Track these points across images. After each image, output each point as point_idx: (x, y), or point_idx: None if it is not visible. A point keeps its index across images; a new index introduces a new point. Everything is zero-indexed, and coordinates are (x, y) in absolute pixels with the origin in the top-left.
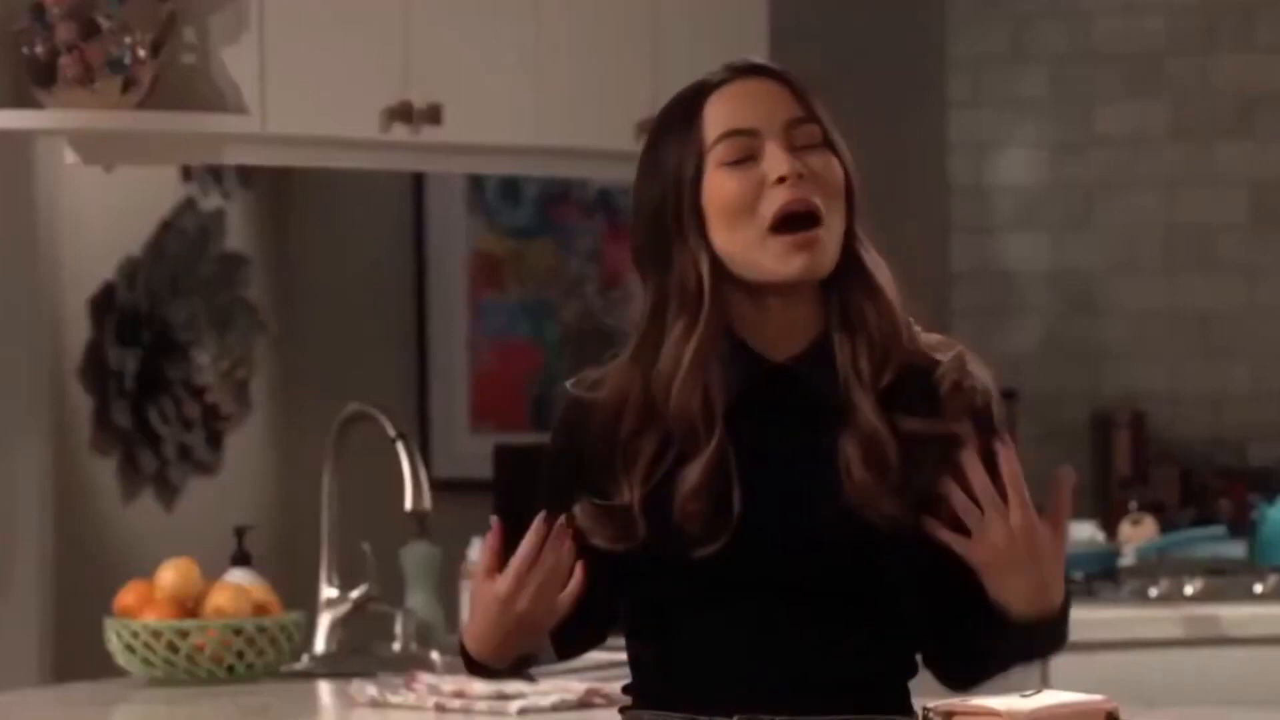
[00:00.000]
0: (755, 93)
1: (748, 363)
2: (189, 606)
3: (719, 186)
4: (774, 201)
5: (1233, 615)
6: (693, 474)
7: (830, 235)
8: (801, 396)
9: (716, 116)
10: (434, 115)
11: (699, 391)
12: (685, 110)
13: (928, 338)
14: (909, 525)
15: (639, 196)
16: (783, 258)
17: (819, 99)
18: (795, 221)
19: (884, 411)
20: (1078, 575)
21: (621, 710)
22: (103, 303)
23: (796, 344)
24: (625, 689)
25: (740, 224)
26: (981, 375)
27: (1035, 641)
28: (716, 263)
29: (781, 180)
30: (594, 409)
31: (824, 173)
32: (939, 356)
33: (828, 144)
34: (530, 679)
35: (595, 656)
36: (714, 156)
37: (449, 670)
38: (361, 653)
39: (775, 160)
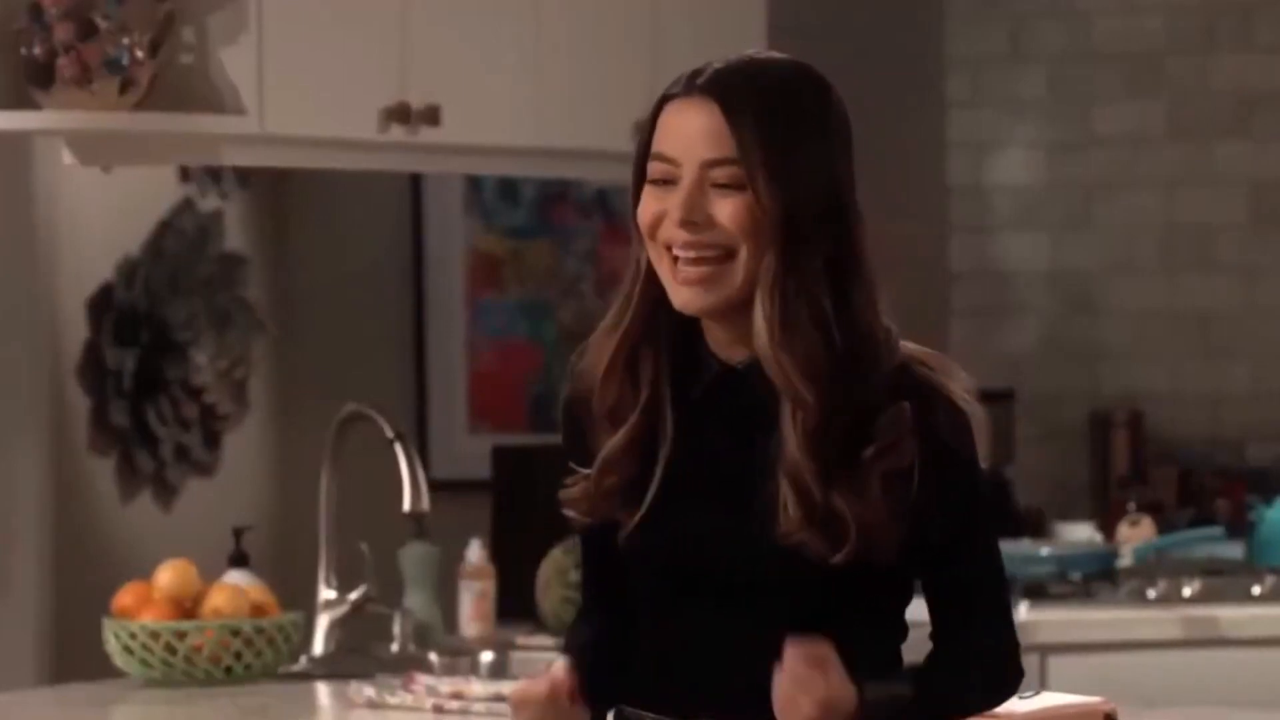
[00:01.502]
0: (688, 120)
1: (701, 360)
2: (187, 607)
3: (643, 202)
4: (667, 235)
5: (1231, 616)
6: (609, 448)
7: (734, 269)
8: (748, 399)
9: (660, 130)
10: (432, 116)
11: (621, 378)
12: (655, 107)
13: (913, 351)
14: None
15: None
16: (675, 288)
17: (778, 114)
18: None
19: (819, 442)
20: (1075, 576)
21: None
22: (101, 303)
23: (746, 350)
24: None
25: (650, 242)
26: (945, 414)
27: None
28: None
29: (675, 222)
30: (577, 394)
31: (728, 218)
32: (911, 378)
33: (750, 182)
34: None
35: None
36: (649, 169)
37: (447, 671)
38: (359, 654)
39: (676, 199)
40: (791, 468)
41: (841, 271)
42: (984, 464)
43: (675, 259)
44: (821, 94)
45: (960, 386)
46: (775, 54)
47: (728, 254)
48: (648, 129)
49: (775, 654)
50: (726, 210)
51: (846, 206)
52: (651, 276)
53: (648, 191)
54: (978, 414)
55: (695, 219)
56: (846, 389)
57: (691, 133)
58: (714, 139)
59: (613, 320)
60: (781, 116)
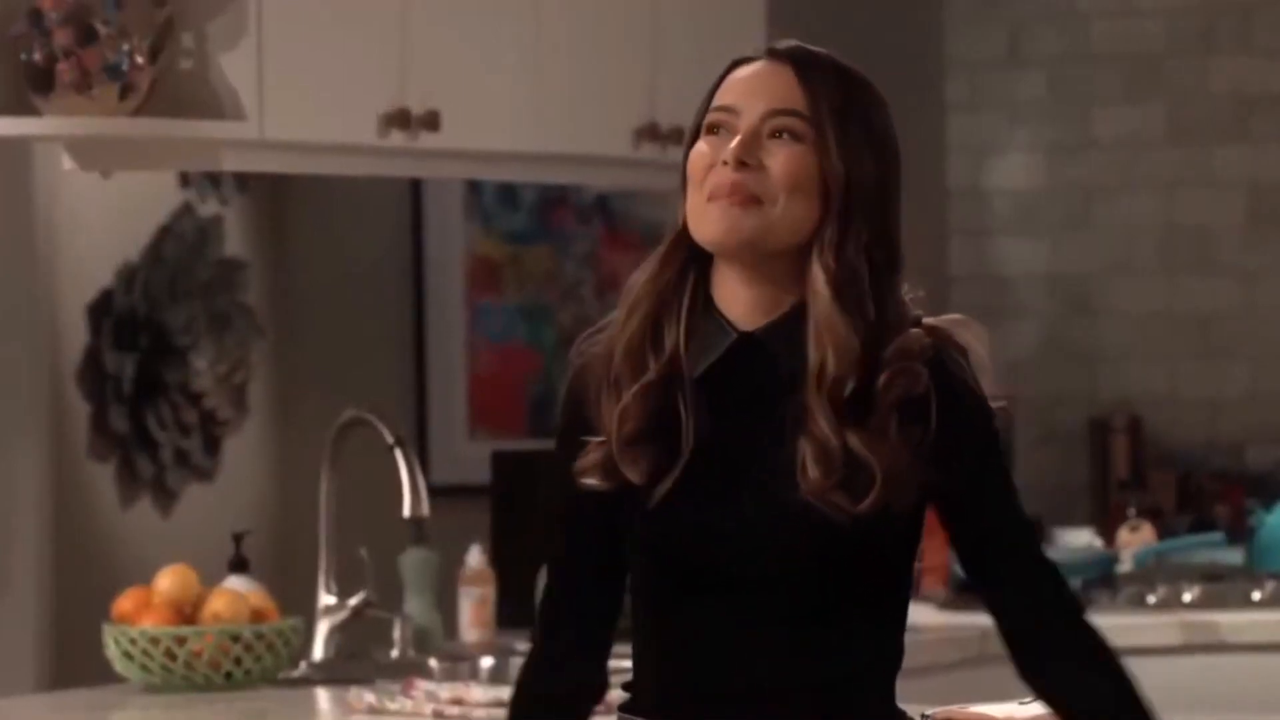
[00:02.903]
0: (760, 75)
1: (719, 329)
2: (187, 613)
3: (695, 151)
4: (714, 178)
5: (1230, 621)
6: (628, 397)
7: (770, 217)
8: (765, 366)
9: (723, 87)
10: (432, 121)
11: (648, 325)
12: (723, 73)
13: (938, 321)
14: (869, 514)
15: None
16: (709, 223)
17: (847, 95)
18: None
19: (845, 414)
20: (1075, 581)
21: (619, 710)
22: (100, 308)
23: (765, 316)
24: (624, 686)
25: (694, 189)
26: (956, 359)
27: None
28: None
29: (725, 163)
30: (594, 357)
31: (779, 165)
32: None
33: (810, 137)
34: None
35: None
36: (705, 122)
37: (446, 677)
38: (359, 659)
39: (731, 141)
40: (813, 427)
41: (882, 254)
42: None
43: (712, 200)
44: (875, 88)
45: (973, 335)
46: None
47: (763, 202)
48: (711, 90)
49: (778, 651)
50: (779, 157)
51: (892, 197)
52: (687, 235)
53: (699, 145)
54: (987, 361)
55: (748, 160)
56: (873, 357)
57: (757, 86)
58: (781, 92)
59: (651, 273)
60: (848, 95)
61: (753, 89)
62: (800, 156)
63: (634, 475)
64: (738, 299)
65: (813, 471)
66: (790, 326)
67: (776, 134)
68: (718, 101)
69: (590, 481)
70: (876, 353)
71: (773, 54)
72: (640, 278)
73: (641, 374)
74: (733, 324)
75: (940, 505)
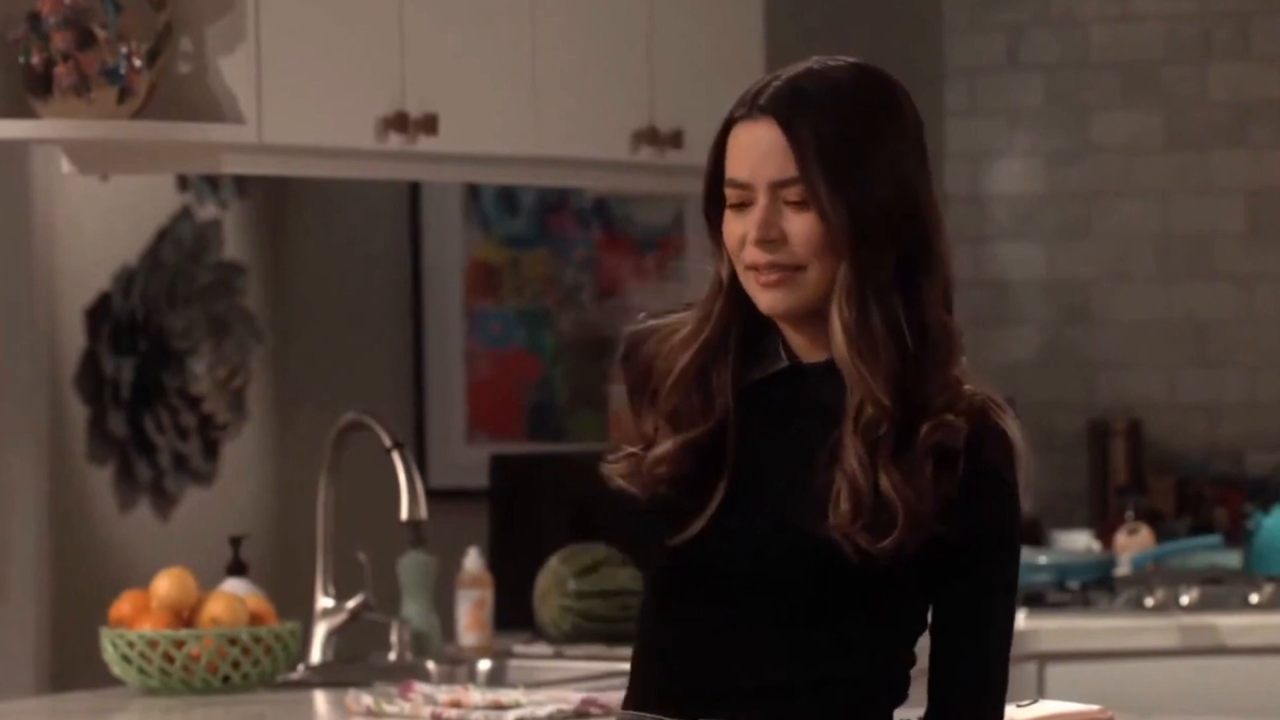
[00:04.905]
0: (753, 142)
1: (775, 352)
2: (185, 616)
3: (727, 226)
4: (749, 256)
5: (1229, 625)
6: (665, 446)
7: (808, 279)
8: (810, 400)
9: (730, 156)
10: (430, 125)
11: (691, 387)
12: (722, 129)
13: (970, 391)
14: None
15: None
16: (757, 293)
17: (835, 126)
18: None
19: (879, 453)
20: (1074, 585)
21: (621, 707)
22: (98, 312)
23: (821, 352)
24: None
25: (735, 260)
26: (997, 437)
27: None
28: (735, 275)
29: (754, 242)
30: (650, 335)
31: (798, 234)
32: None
33: (813, 199)
34: None
35: (591, 667)
36: (728, 194)
37: (444, 680)
38: (357, 662)
39: (752, 220)
40: (849, 464)
41: (915, 267)
42: (1025, 505)
43: (750, 271)
44: (884, 94)
45: (1015, 424)
46: (839, 59)
47: (799, 268)
48: (716, 152)
49: (783, 653)
50: (796, 228)
51: (920, 203)
52: (731, 293)
53: (730, 215)
54: (1026, 456)
55: (770, 237)
56: (914, 390)
57: (757, 156)
58: (778, 159)
59: (692, 330)
60: (841, 128)
61: (755, 162)
62: (814, 224)
63: (674, 500)
64: (798, 340)
65: (845, 507)
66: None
67: (789, 203)
68: (731, 174)
69: (621, 484)
70: (919, 387)
71: (758, 110)
72: (685, 337)
73: (687, 425)
74: (791, 353)
75: (932, 559)
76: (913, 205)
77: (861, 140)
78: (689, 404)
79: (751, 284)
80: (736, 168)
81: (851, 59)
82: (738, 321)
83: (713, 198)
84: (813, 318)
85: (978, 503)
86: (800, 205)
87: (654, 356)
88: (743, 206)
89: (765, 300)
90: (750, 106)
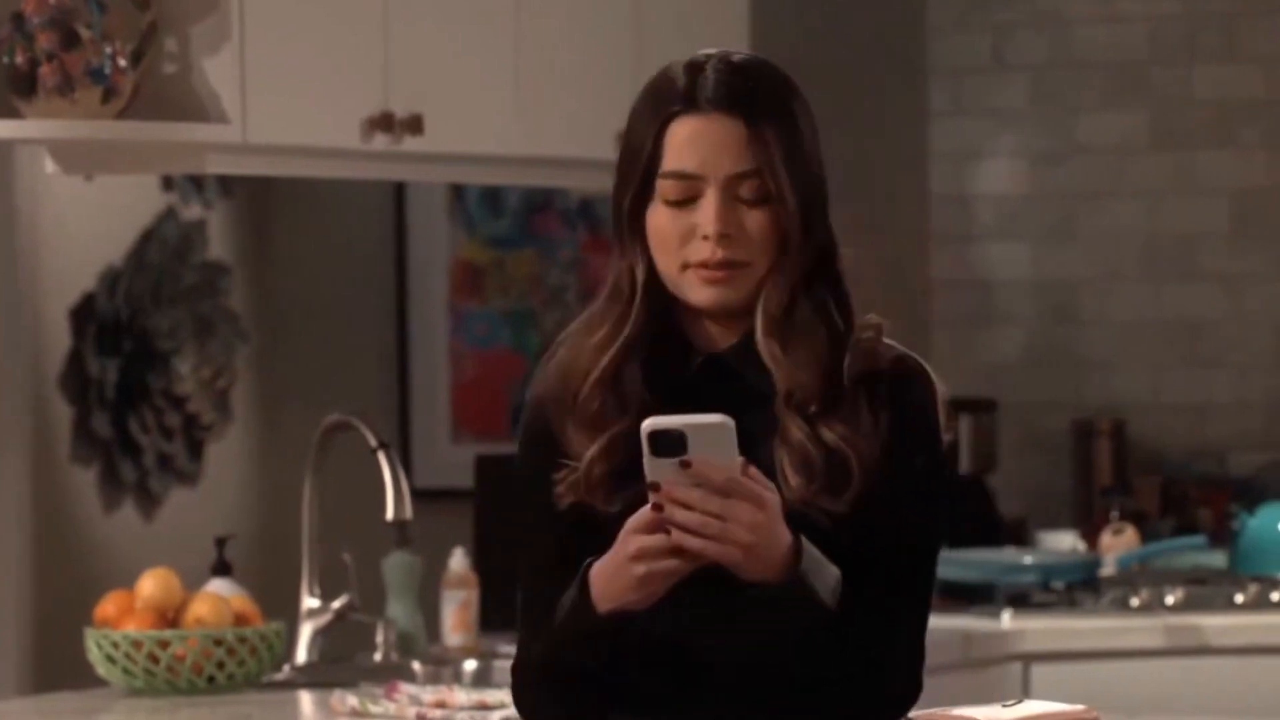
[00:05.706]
0: (710, 135)
1: (682, 352)
2: (170, 617)
3: (657, 220)
4: (697, 253)
5: (1213, 625)
6: (594, 449)
7: (752, 274)
8: (735, 386)
9: (672, 147)
10: (415, 125)
11: (608, 386)
12: (655, 114)
13: (890, 351)
14: (852, 511)
15: (617, 163)
16: (697, 289)
17: (786, 119)
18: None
19: (817, 418)
20: (1059, 585)
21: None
22: (83, 312)
23: (732, 336)
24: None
25: (668, 256)
26: (921, 385)
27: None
28: (653, 271)
29: (707, 238)
30: (550, 391)
31: (756, 229)
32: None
33: (776, 193)
34: None
35: None
36: (660, 188)
37: (429, 680)
38: (342, 663)
39: (707, 215)
40: (793, 436)
41: (828, 250)
42: (945, 436)
43: (692, 267)
44: (791, 83)
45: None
46: (741, 50)
47: (746, 264)
48: (651, 147)
49: (781, 645)
50: (752, 223)
51: (826, 199)
52: (650, 291)
53: (663, 211)
54: (944, 394)
55: (730, 232)
56: (839, 363)
57: (708, 149)
58: (737, 152)
59: (608, 333)
60: (788, 120)
61: (706, 155)
62: (772, 220)
63: (610, 507)
64: (709, 328)
65: (794, 479)
66: (752, 344)
67: (741, 198)
68: (673, 166)
69: (571, 502)
70: (843, 355)
71: (710, 105)
72: (599, 342)
73: (608, 423)
74: (698, 347)
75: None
76: (824, 182)
77: (798, 132)
78: (606, 405)
79: (689, 280)
80: (683, 160)
81: (749, 51)
82: (653, 318)
83: (637, 193)
84: (742, 309)
85: (902, 412)
86: (755, 200)
87: (569, 365)
88: (683, 202)
89: (706, 296)
90: (693, 100)
